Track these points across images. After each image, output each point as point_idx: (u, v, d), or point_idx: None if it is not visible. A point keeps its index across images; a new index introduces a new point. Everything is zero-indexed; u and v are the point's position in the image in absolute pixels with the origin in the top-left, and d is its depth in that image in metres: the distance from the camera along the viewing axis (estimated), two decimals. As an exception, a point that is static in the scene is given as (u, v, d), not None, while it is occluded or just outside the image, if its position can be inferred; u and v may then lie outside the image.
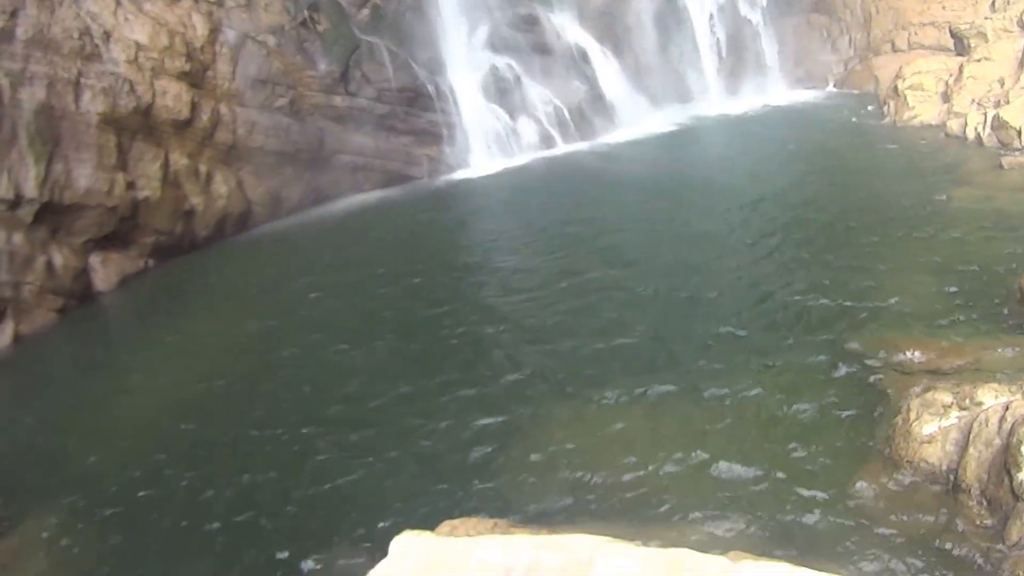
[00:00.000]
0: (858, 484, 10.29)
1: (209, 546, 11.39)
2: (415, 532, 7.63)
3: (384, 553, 7.56)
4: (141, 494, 12.86)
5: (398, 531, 7.74)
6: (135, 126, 23.61)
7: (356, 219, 26.13)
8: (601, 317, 16.18)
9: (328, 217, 26.56)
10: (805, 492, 10.27)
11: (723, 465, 11.07)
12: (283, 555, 10.84)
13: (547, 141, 30.78)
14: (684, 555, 6.53)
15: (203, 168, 25.08)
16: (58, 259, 21.87)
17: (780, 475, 10.67)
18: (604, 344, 14.97)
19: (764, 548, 8.94)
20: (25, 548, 12.04)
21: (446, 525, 8.89)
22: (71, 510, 12.70)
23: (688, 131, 32.20)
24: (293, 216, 26.63)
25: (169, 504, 12.46)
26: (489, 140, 30.11)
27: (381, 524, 10.65)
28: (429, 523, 8.80)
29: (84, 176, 22.42)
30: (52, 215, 21.90)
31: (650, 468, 11.17)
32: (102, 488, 13.18)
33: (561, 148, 30.71)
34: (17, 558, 11.83)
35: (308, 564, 10.54)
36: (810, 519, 9.85)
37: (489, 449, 12.28)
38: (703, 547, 7.01)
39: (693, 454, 11.35)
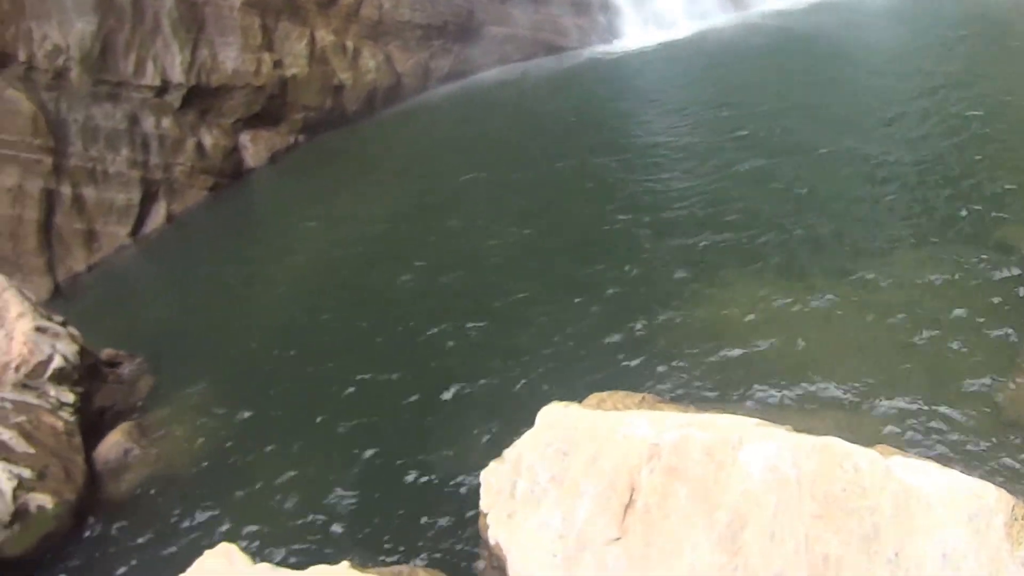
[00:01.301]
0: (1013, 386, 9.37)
1: (347, 421, 11.48)
2: (563, 403, 7.65)
3: (531, 424, 7.64)
4: (280, 373, 13.07)
5: (546, 403, 7.77)
6: (279, 6, 23.90)
7: (504, 91, 25.32)
8: (756, 207, 14.78)
9: (476, 89, 25.92)
10: (962, 392, 9.45)
11: (875, 357, 10.30)
12: (432, 426, 10.91)
13: (703, 13, 28.64)
14: (834, 443, 6.29)
15: (350, 44, 25.10)
16: (208, 140, 22.82)
17: (937, 374, 9.82)
18: (757, 232, 13.81)
19: (912, 446, 8.57)
20: (172, 418, 12.51)
21: (593, 398, 8.67)
22: (213, 384, 13.08)
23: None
24: (442, 87, 26.19)
25: (304, 384, 12.59)
26: (642, 10, 28.14)
27: (530, 397, 10.37)
28: (577, 396, 8.54)
29: (230, 59, 23.10)
30: (200, 98, 22.83)
31: (800, 355, 10.57)
32: (242, 365, 13.55)
33: (716, 19, 28.13)
34: (165, 426, 12.33)
35: (456, 434, 10.54)
36: (961, 420, 9.09)
37: (639, 328, 11.84)
38: (852, 439, 6.52)
39: (845, 344, 10.65)
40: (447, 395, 11.35)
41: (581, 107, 22.66)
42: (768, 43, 25.08)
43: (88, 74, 21.24)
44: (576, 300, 12.80)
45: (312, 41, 24.21)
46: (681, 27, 27.82)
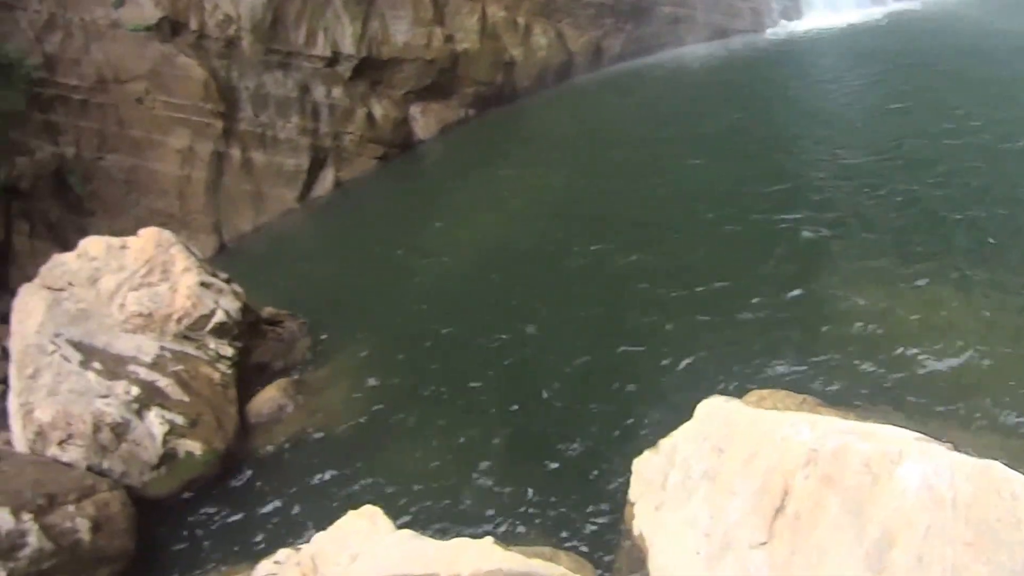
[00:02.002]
0: None
1: (500, 396, 11.23)
2: (723, 398, 7.52)
3: (689, 416, 7.50)
4: (437, 343, 12.84)
5: (706, 396, 7.60)
6: (450, -19, 23.46)
7: (676, 73, 24.13)
8: (932, 204, 13.42)
9: (648, 69, 24.80)
10: None
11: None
12: (587, 409, 10.51)
13: None
14: (994, 468, 5.88)
15: (521, 20, 24.48)
16: (378, 110, 22.45)
17: None
18: (933, 230, 12.55)
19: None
20: (327, 379, 12.57)
21: (754, 395, 8.58)
22: (370, 349, 13.03)
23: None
24: (614, 67, 25.22)
25: (460, 356, 12.38)
26: None
27: (690, 387, 9.88)
28: (738, 391, 8.49)
29: (401, 32, 22.71)
30: (371, 69, 22.49)
31: (970, 368, 9.66)
32: (400, 332, 13.38)
33: (892, 5, 26.57)
34: (320, 386, 12.41)
35: (611, 419, 10.18)
36: None
37: (806, 326, 11.09)
38: (1016, 466, 5.97)
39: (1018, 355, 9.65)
40: (605, 379, 10.94)
41: (755, 91, 21.28)
42: (952, 25, 23.25)
43: (259, 43, 21.14)
44: (745, 292, 12.05)
45: (483, 16, 23.65)
46: (856, 11, 26.15)
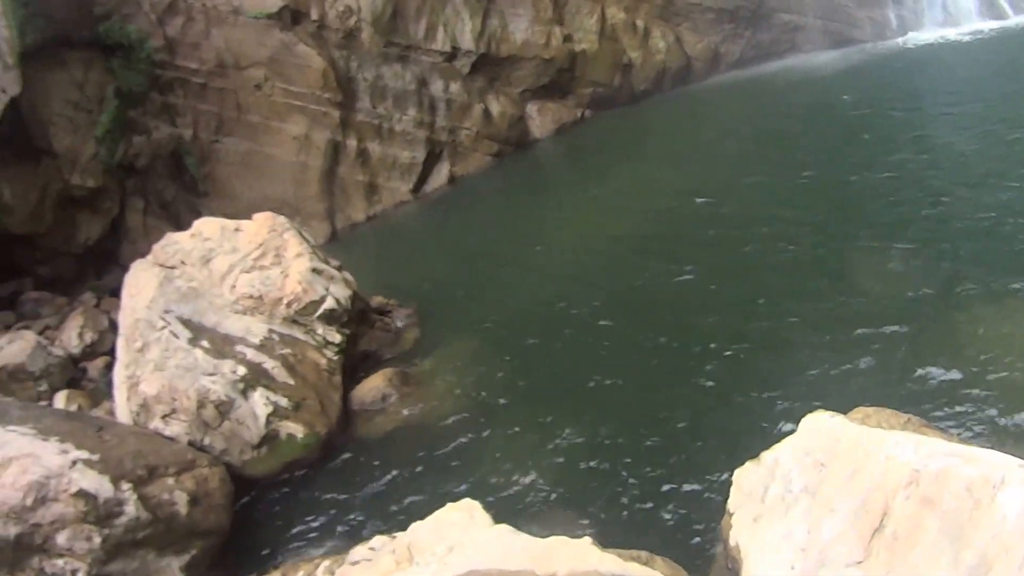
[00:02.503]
0: None
1: (603, 399, 10.96)
2: (828, 413, 7.44)
3: (793, 430, 7.46)
4: (544, 343, 12.60)
5: (811, 410, 7.49)
6: (570, -18, 23.18)
7: (798, 82, 23.58)
8: None
9: (768, 77, 24.46)
10: None
11: None
12: (691, 417, 10.20)
13: (993, 11, 26.09)
14: None
15: (640, 23, 24.21)
16: (495, 107, 22.23)
17: None
18: None
19: None
20: (432, 371, 12.42)
21: (859, 412, 8.29)
22: (477, 344, 12.81)
23: None
24: (731, 73, 24.94)
25: (566, 356, 12.11)
26: (933, 6, 26.02)
27: (795, 401, 9.75)
28: (843, 407, 8.07)
29: (520, 30, 22.55)
30: (489, 66, 22.36)
31: None
32: (508, 329, 13.16)
33: (1014, 19, 25.54)
34: (425, 377, 12.27)
35: (714, 429, 9.87)
36: None
37: (916, 343, 10.60)
38: None
39: None
40: (710, 388, 10.63)
41: (876, 102, 20.53)
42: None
43: (379, 35, 21.01)
44: (852, 307, 11.62)
45: (602, 17, 23.38)
46: (976, 24, 25.54)
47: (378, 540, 7.85)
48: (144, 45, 19.47)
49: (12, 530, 8.50)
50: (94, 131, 19.08)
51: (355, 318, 12.84)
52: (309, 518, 9.99)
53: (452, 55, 21.71)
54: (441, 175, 21.31)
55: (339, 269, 13.12)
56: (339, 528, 9.68)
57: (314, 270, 12.64)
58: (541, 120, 22.65)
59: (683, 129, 21.58)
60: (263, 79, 20.24)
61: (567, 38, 22.78)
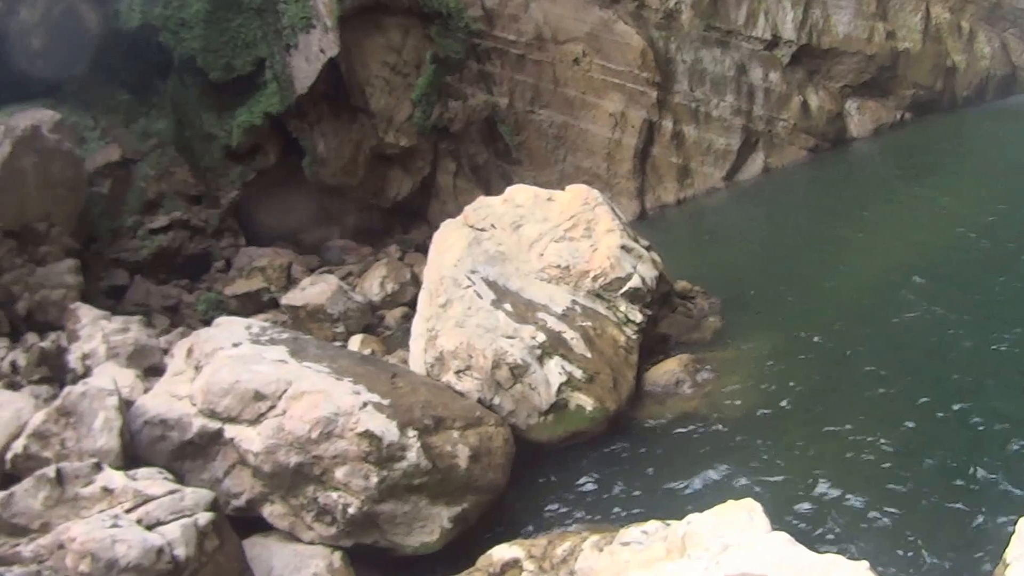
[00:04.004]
0: None
1: (905, 417, 10.16)
2: None
3: None
4: (850, 347, 11.98)
5: None
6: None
7: None
8: None
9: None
10: None
11: None
12: (988, 454, 9.29)
13: None
14: None
15: (965, 25, 22.99)
16: (814, 101, 21.57)
17: None
18: None
19: None
20: (729, 363, 12.11)
21: None
22: (779, 340, 12.44)
23: None
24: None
25: (872, 364, 11.35)
26: None
27: None
28: None
29: (842, 22, 21.76)
30: (809, 58, 21.68)
31: None
32: (814, 329, 12.55)
33: None
34: (721, 368, 11.97)
35: (1008, 471, 8.96)
36: None
37: None
38: None
39: None
40: (1017, 423, 9.62)
41: None
42: None
43: (699, 19, 20.67)
44: None
45: (927, 16, 22.26)
46: None
47: (652, 525, 7.65)
48: (462, 14, 19.64)
49: (293, 459, 8.99)
50: (410, 94, 19.34)
51: (658, 300, 12.74)
52: (583, 490, 10.03)
53: (772, 43, 21.16)
54: (755, 165, 20.84)
55: (648, 249, 12.95)
56: (611, 505, 9.63)
57: (623, 247, 12.52)
58: (860, 119, 21.82)
59: (1012, 146, 19.85)
60: (581, 54, 20.17)
61: (890, 35, 21.83)
